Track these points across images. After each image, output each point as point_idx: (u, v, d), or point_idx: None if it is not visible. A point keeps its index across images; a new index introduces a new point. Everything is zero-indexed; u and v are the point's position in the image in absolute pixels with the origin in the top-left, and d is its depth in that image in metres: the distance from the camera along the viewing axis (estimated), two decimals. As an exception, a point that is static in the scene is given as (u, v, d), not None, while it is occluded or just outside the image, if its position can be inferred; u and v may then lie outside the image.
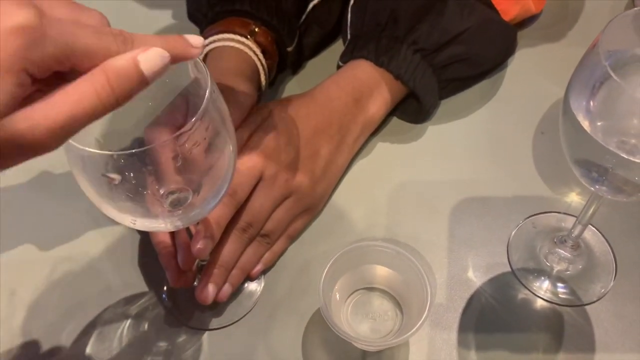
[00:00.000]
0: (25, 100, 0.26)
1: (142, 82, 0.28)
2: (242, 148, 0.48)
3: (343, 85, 0.55)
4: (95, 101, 0.27)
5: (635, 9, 0.35)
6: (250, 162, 0.47)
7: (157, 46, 0.28)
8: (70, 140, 0.30)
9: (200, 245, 0.43)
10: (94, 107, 0.27)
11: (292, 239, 0.52)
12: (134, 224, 0.34)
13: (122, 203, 0.33)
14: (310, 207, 0.51)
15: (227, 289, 0.47)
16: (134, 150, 0.30)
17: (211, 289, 0.46)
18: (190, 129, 0.31)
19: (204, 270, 0.46)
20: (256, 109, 0.51)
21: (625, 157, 0.33)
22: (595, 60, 0.33)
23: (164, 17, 0.71)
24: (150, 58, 0.28)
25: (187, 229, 0.44)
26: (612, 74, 0.32)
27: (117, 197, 0.33)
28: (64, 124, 0.26)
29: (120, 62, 0.27)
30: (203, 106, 0.32)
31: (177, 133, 0.31)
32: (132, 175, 0.32)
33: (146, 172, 0.32)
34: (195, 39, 0.31)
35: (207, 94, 0.32)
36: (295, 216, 0.50)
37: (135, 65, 0.27)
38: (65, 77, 0.27)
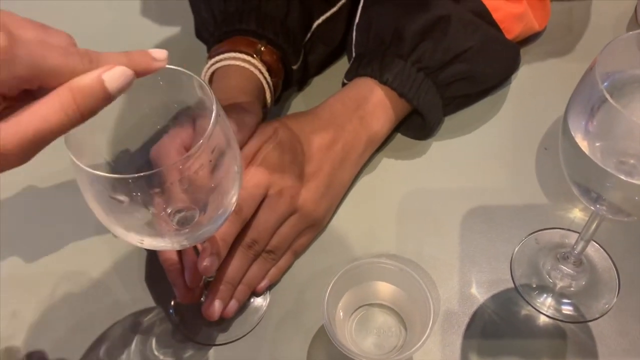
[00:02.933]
0: None
1: (106, 98, 0.29)
2: (248, 165, 0.49)
3: (348, 102, 0.55)
4: (61, 117, 0.28)
5: (634, 32, 0.36)
6: (256, 179, 0.48)
7: (121, 63, 0.30)
8: (78, 163, 0.31)
9: (206, 263, 0.44)
10: (60, 122, 0.28)
11: (297, 254, 0.52)
12: (142, 243, 0.35)
13: (130, 223, 0.34)
14: (315, 224, 0.52)
15: (233, 304, 0.48)
16: (141, 174, 0.31)
17: (217, 305, 0.46)
18: (197, 152, 0.32)
19: (210, 286, 0.47)
20: (261, 126, 0.52)
21: (624, 178, 0.34)
22: (592, 82, 0.34)
23: (174, 33, 0.73)
24: (114, 76, 0.29)
25: (194, 247, 0.45)
26: (609, 97, 0.32)
27: (125, 218, 0.34)
28: (32, 138, 0.28)
29: (86, 80, 0.29)
30: (209, 130, 0.32)
31: (184, 156, 0.32)
32: (139, 196, 0.33)
33: (153, 193, 0.33)
34: (159, 53, 0.32)
35: (212, 117, 0.33)
36: (300, 232, 0.51)
37: (100, 83, 0.29)
38: (34, 94, 0.29)
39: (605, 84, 0.37)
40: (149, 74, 0.32)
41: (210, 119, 0.33)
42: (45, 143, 0.29)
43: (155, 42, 0.72)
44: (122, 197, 0.32)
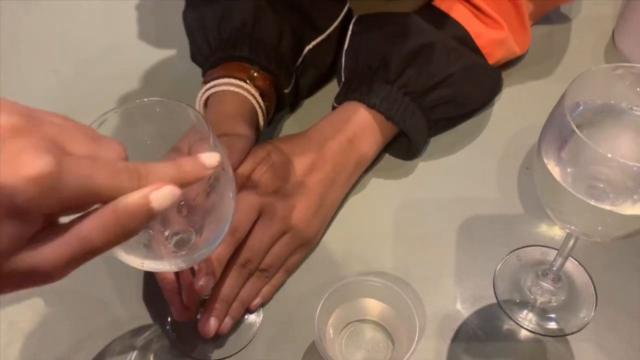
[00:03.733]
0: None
1: (151, 217, 0.29)
2: (242, 187, 0.51)
3: (337, 125, 0.58)
4: (104, 238, 0.28)
5: (603, 65, 0.39)
6: (250, 200, 0.50)
7: (169, 177, 0.29)
8: None
9: (202, 283, 0.46)
10: (103, 243, 0.28)
11: (290, 272, 0.54)
12: (142, 266, 0.37)
13: (131, 247, 0.36)
14: (306, 242, 0.54)
15: (228, 322, 0.50)
16: None
17: (213, 322, 0.48)
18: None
19: (206, 304, 0.49)
20: (254, 149, 0.54)
21: (592, 203, 0.36)
22: (562, 113, 0.37)
23: (170, 56, 0.75)
24: (162, 196, 0.29)
25: (191, 267, 0.47)
26: (576, 129, 0.35)
27: (127, 243, 0.36)
28: (70, 260, 0.28)
29: (132, 202, 0.28)
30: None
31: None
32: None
33: (155, 221, 0.35)
34: (211, 159, 0.32)
35: (209, 147, 0.35)
36: (292, 251, 0.53)
37: (147, 203, 0.28)
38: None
39: (577, 110, 0.40)
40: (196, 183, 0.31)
41: (206, 146, 0.35)
42: (85, 261, 0.28)
43: (152, 64, 0.74)
44: None
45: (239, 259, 0.50)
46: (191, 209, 0.38)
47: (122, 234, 0.28)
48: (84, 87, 0.73)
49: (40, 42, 0.79)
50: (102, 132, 0.36)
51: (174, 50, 0.76)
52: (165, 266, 0.39)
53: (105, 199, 0.28)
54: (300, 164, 0.55)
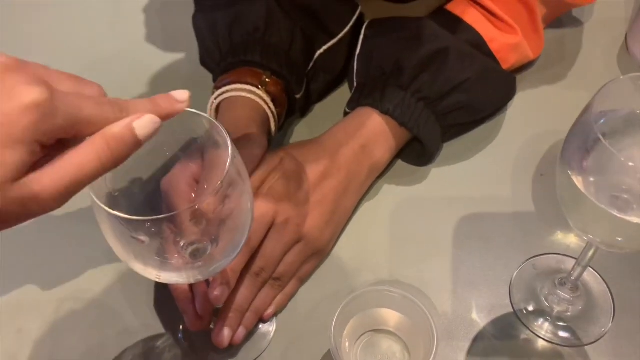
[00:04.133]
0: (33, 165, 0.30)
1: (137, 144, 0.32)
2: (255, 195, 0.50)
3: (350, 131, 0.57)
4: (96, 164, 0.31)
5: (629, 75, 0.38)
6: (263, 209, 0.50)
7: (147, 110, 0.33)
8: (100, 204, 0.33)
9: (217, 293, 0.45)
10: (96, 169, 0.31)
11: (303, 281, 0.54)
12: (159, 278, 0.37)
13: (148, 260, 0.36)
14: (320, 251, 0.54)
15: (241, 332, 0.49)
16: (162, 216, 0.33)
17: (227, 332, 0.48)
18: (215, 193, 0.34)
19: (219, 314, 0.48)
20: (267, 156, 0.54)
21: (617, 214, 0.36)
22: (587, 123, 0.36)
23: (178, 59, 0.74)
24: (144, 124, 0.32)
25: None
26: (602, 139, 0.34)
27: (143, 255, 0.35)
28: (69, 185, 0.30)
29: (118, 129, 0.31)
30: (226, 171, 0.34)
31: (204, 198, 0.33)
32: (158, 235, 0.34)
33: (171, 231, 0.35)
34: (181, 95, 0.35)
35: (229, 159, 0.34)
36: (305, 259, 0.53)
37: (131, 130, 0.31)
38: (67, 143, 0.31)
39: (601, 121, 0.39)
40: (173, 117, 0.34)
41: (222, 154, 0.35)
42: (80, 188, 0.31)
43: (159, 68, 0.73)
44: (142, 237, 0.33)
45: (252, 268, 0.49)
46: (210, 221, 0.37)
47: (113, 160, 0.31)
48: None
49: (47, 45, 0.78)
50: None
51: (181, 53, 0.75)
52: (181, 278, 0.38)
53: (92, 129, 0.31)
54: (313, 171, 0.54)
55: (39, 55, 0.76)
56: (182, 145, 0.43)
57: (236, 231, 0.39)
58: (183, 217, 0.35)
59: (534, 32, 0.64)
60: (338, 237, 0.56)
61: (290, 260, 0.51)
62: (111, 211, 0.32)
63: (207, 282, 0.46)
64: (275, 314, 0.52)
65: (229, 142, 0.35)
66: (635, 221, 0.36)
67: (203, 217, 0.35)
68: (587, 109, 0.36)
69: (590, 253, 0.46)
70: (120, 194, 0.39)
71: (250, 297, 0.50)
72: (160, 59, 0.74)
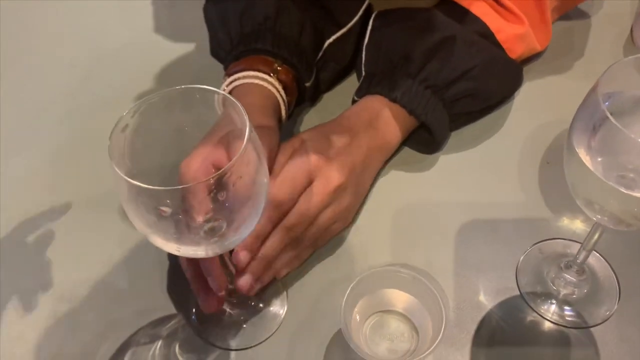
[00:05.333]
0: None
1: None
2: (290, 158, 0.52)
3: (362, 115, 0.58)
4: None
5: (632, 57, 0.39)
6: (299, 171, 0.51)
7: None
8: (124, 176, 0.34)
9: (241, 283, 0.48)
10: None
11: (318, 248, 0.55)
12: (179, 251, 0.38)
13: (167, 233, 0.37)
14: (344, 218, 0.55)
15: (257, 286, 0.51)
16: (181, 186, 0.34)
17: (248, 277, 0.49)
18: (233, 166, 0.35)
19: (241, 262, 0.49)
20: (286, 143, 0.55)
21: (624, 191, 0.37)
22: (595, 102, 0.37)
23: (188, 51, 0.76)
24: None
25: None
26: (609, 116, 0.35)
27: (164, 228, 0.36)
28: None
29: None
30: (243, 147, 0.35)
31: (220, 171, 0.34)
32: (177, 207, 0.35)
33: (188, 205, 0.36)
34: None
35: (246, 133, 0.35)
36: (331, 225, 0.54)
37: None
38: None
39: (607, 103, 0.40)
40: None
41: (240, 135, 0.36)
42: None
43: (169, 57, 0.75)
44: (164, 208, 0.34)
45: (285, 222, 0.50)
46: (228, 197, 0.38)
47: None
48: (102, 81, 0.74)
49: (57, 37, 0.80)
50: (140, 118, 0.37)
51: (191, 43, 0.76)
52: (200, 252, 0.39)
53: None
54: (336, 145, 0.55)
55: (48, 47, 0.78)
56: (200, 124, 0.43)
57: (252, 208, 0.40)
58: (200, 190, 0.36)
59: (542, 23, 0.64)
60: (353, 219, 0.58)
61: (321, 223, 0.52)
62: (133, 181, 0.33)
63: (222, 260, 0.47)
64: (287, 296, 0.53)
65: (247, 118, 0.36)
66: (640, 197, 0.37)
67: (221, 191, 0.36)
68: (594, 88, 0.37)
69: (596, 236, 0.47)
70: (139, 173, 0.40)
71: (278, 250, 0.51)
72: (170, 49, 0.76)
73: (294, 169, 0.51)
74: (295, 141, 0.54)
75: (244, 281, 0.49)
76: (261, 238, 0.49)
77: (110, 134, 0.36)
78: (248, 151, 0.36)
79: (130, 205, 0.36)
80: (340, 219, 0.55)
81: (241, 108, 0.37)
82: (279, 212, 0.50)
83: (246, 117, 0.36)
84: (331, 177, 0.52)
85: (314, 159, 0.52)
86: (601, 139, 0.38)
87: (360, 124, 0.57)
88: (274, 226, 0.50)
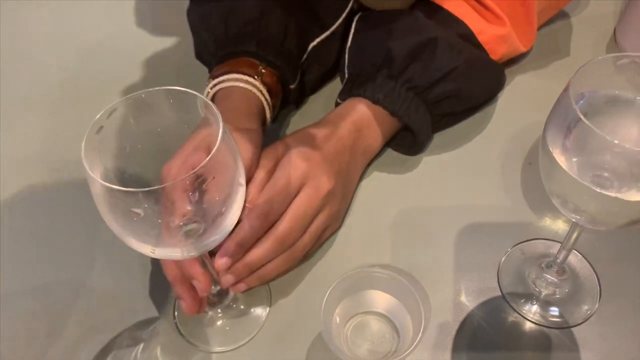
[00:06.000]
0: None
1: None
2: (280, 164, 0.52)
3: (345, 118, 0.58)
4: None
5: (605, 56, 0.39)
6: (287, 178, 0.50)
7: None
8: (95, 177, 0.34)
9: (223, 261, 0.48)
10: None
11: (309, 255, 0.55)
12: (153, 253, 0.38)
13: (142, 235, 0.37)
14: (336, 219, 0.55)
15: (242, 286, 0.50)
16: (154, 187, 0.34)
17: (230, 278, 0.49)
18: (205, 167, 0.35)
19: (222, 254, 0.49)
20: (271, 146, 0.54)
21: (598, 191, 0.37)
22: (567, 102, 0.37)
23: (171, 45, 0.76)
24: None
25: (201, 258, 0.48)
26: (582, 116, 0.35)
27: (138, 230, 0.36)
28: None
29: None
30: (215, 147, 0.35)
31: (194, 171, 0.34)
32: (152, 209, 0.35)
33: (164, 206, 0.36)
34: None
35: (219, 135, 0.36)
36: (322, 230, 0.54)
37: None
38: None
39: (581, 102, 0.41)
40: None
41: (214, 132, 0.36)
42: None
43: (152, 53, 0.75)
44: (138, 210, 0.34)
45: (277, 229, 0.49)
46: (202, 199, 0.38)
47: None
48: (87, 78, 0.74)
49: (40, 33, 0.80)
50: (112, 121, 0.37)
51: (175, 39, 0.77)
52: (175, 254, 0.39)
53: None
54: (323, 148, 0.54)
55: (33, 43, 0.78)
56: (178, 125, 0.43)
57: (228, 209, 0.40)
58: (175, 192, 0.36)
59: (527, 24, 0.65)
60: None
61: (313, 230, 0.52)
62: (105, 183, 0.33)
63: (203, 264, 0.47)
64: (269, 299, 0.53)
65: (220, 119, 0.36)
66: (617, 196, 0.37)
67: (195, 192, 0.36)
68: (567, 88, 0.38)
69: (574, 236, 0.47)
70: (115, 174, 0.40)
71: (267, 258, 0.50)
72: (154, 45, 0.77)
73: (282, 175, 0.51)
74: (279, 146, 0.54)
75: (228, 279, 0.49)
76: (245, 246, 0.49)
77: (85, 137, 0.36)
78: (222, 151, 0.36)
79: (104, 207, 0.36)
80: (331, 224, 0.55)
81: (216, 110, 0.37)
82: (267, 220, 0.49)
83: (220, 117, 0.36)
84: (321, 182, 0.52)
85: (301, 165, 0.51)
86: (575, 139, 0.38)
87: (343, 127, 0.57)
88: (259, 235, 0.49)
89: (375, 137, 0.58)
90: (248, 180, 0.51)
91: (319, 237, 0.54)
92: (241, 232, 0.48)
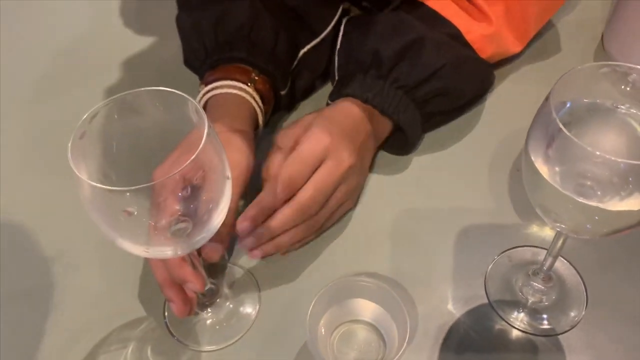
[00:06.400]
0: None
1: None
2: (300, 141, 0.53)
3: (336, 116, 0.58)
4: None
5: (587, 64, 0.39)
6: (312, 150, 0.52)
7: None
8: (83, 178, 0.34)
9: (246, 223, 0.50)
10: None
11: (323, 231, 0.57)
12: (147, 252, 0.38)
13: (132, 235, 0.37)
14: (353, 196, 0.57)
15: (258, 253, 0.52)
16: (143, 185, 0.34)
17: (251, 241, 0.51)
18: (189, 168, 0.35)
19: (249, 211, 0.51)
20: (289, 126, 0.56)
21: (580, 200, 0.37)
22: (548, 112, 0.37)
23: (155, 43, 0.77)
24: None
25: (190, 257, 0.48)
26: (562, 127, 0.35)
27: (129, 230, 0.37)
28: None
29: None
30: (201, 146, 0.35)
31: (178, 171, 0.35)
32: (142, 208, 0.36)
33: (150, 206, 0.36)
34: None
35: (204, 135, 0.36)
36: (340, 205, 0.55)
37: None
38: None
39: (563, 111, 0.41)
40: None
41: (208, 142, 0.36)
42: None
43: (136, 52, 0.75)
44: (130, 209, 0.34)
45: (299, 196, 0.51)
46: (190, 197, 0.38)
47: None
48: (67, 79, 0.74)
49: (26, 29, 0.80)
50: (96, 123, 0.37)
51: (158, 38, 0.77)
52: (168, 252, 0.39)
53: None
54: (343, 127, 0.56)
55: (18, 40, 0.78)
56: (164, 127, 0.43)
57: (214, 208, 0.39)
58: (162, 192, 0.36)
59: (522, 21, 0.64)
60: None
61: (332, 203, 0.54)
62: (94, 184, 0.34)
63: (193, 265, 0.47)
64: (259, 297, 0.54)
65: (205, 118, 0.37)
66: (599, 206, 0.37)
67: (182, 193, 0.36)
68: (548, 97, 0.38)
69: (560, 243, 0.47)
70: (101, 176, 0.40)
71: (286, 225, 0.52)
72: (137, 44, 0.77)
73: (306, 148, 0.52)
74: (297, 127, 0.55)
75: (248, 241, 0.51)
76: (266, 212, 0.51)
77: (70, 140, 0.36)
78: (207, 149, 0.36)
79: (94, 210, 0.36)
80: (349, 199, 0.56)
81: (201, 110, 0.37)
82: (289, 189, 0.51)
83: (204, 116, 0.37)
84: (343, 157, 0.53)
85: (325, 139, 0.53)
86: (557, 149, 0.38)
87: (356, 111, 0.58)
88: (281, 203, 0.51)
89: (366, 136, 0.58)
90: (246, 182, 0.53)
91: (336, 212, 0.56)
92: (264, 198, 0.50)
